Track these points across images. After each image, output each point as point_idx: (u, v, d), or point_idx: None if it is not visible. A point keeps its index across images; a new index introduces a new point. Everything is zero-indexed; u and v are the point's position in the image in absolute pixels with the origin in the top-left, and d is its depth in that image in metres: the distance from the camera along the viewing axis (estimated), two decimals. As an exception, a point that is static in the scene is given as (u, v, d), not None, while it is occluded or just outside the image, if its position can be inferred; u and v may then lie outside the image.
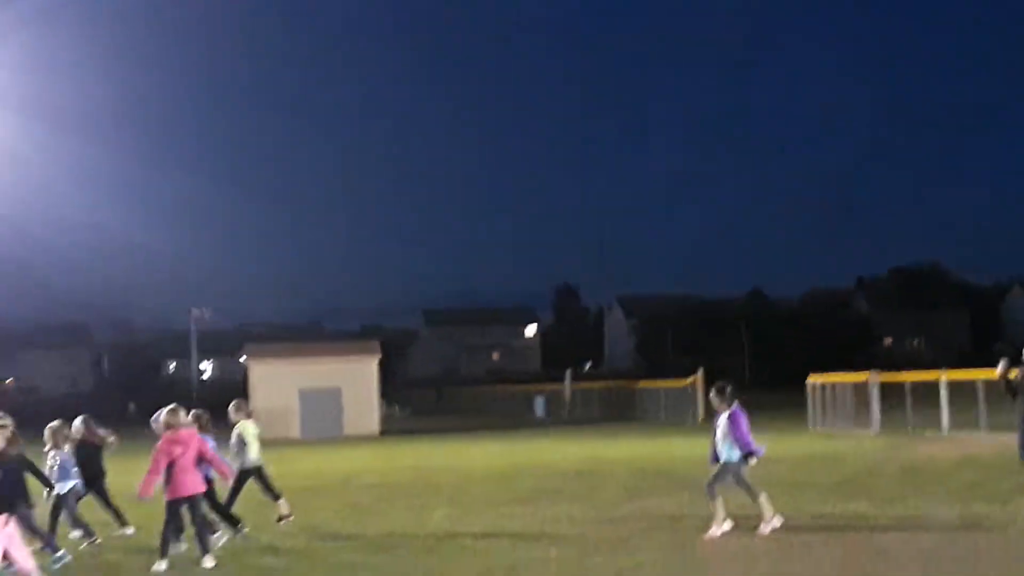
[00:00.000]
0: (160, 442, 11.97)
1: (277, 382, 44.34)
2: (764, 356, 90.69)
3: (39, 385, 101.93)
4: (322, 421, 43.32)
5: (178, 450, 11.90)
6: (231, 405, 15.49)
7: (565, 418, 53.69)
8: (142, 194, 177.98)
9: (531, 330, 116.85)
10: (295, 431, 43.12)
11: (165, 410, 12.32)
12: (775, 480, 16.23)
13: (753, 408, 15.09)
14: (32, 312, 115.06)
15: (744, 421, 12.70)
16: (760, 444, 12.86)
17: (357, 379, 45.03)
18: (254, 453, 15.10)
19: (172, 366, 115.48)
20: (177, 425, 12.15)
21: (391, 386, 70.85)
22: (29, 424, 15.31)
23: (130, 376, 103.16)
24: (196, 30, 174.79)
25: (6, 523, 10.96)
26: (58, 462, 13.81)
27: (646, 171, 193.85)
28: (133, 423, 12.74)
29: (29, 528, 11.90)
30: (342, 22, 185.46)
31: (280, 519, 15.10)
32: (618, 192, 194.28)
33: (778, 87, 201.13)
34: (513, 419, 54.18)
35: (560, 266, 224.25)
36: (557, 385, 61.75)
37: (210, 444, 13.09)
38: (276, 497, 15.31)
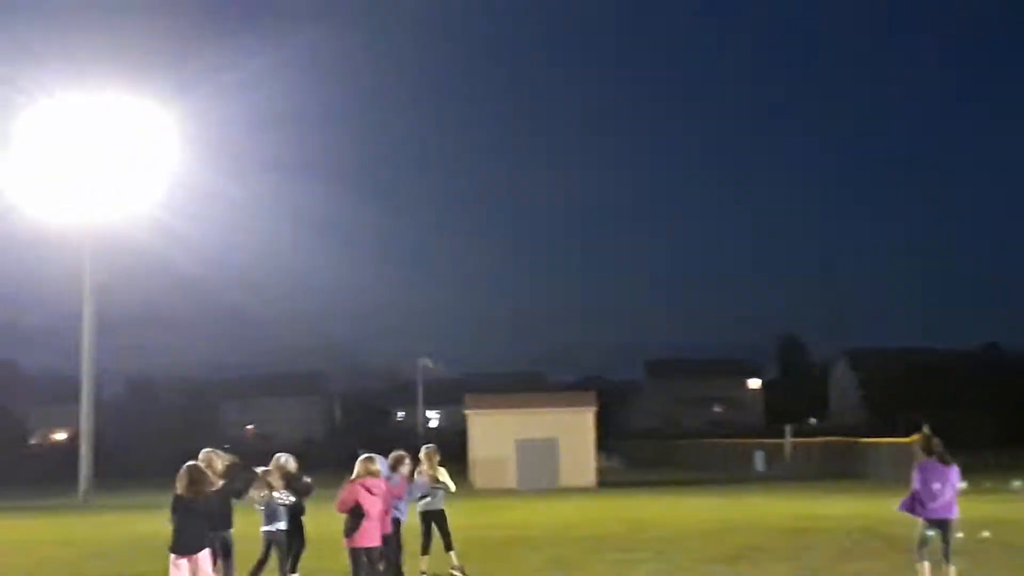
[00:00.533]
0: (352, 484, 12.18)
1: (495, 432, 45.04)
2: (1001, 412, 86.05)
3: (276, 432, 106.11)
4: (538, 472, 43.68)
5: (368, 499, 12.09)
6: (423, 451, 15.86)
7: (784, 473, 52.39)
8: (374, 242, 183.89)
9: (754, 383, 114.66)
10: (512, 481, 43.64)
11: (361, 457, 12.62)
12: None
13: (992, 467, 14.50)
14: (270, 361, 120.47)
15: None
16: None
17: (574, 430, 45.22)
18: (439, 500, 15.55)
19: (400, 415, 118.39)
20: (370, 474, 12.35)
21: (610, 438, 70.76)
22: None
23: (360, 424, 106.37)
24: (424, 68, 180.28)
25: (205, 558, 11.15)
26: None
27: (876, 224, 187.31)
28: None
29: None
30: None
31: (452, 570, 15.45)
32: (846, 245, 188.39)
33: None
34: (731, 473, 53.28)
35: (785, 318, 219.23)
36: (779, 440, 60.40)
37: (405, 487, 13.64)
38: (449, 547, 15.63)
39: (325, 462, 13.49)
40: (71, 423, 47.38)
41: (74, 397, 47.65)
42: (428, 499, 15.62)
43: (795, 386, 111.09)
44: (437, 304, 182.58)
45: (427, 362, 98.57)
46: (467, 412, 47.55)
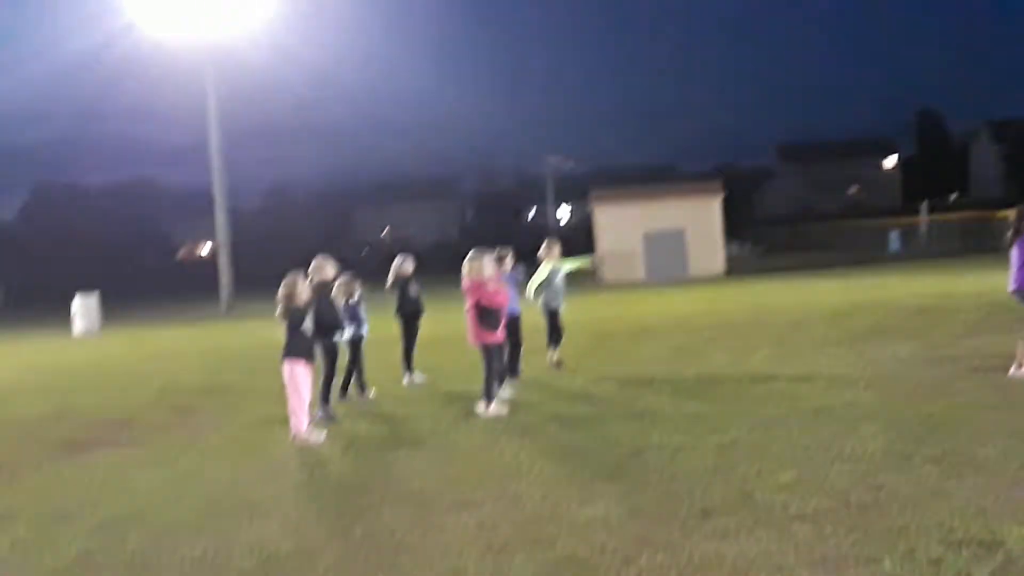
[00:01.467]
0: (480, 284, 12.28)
1: (622, 225, 44.92)
2: None
3: (411, 235, 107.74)
4: (666, 262, 43.61)
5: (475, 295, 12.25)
6: (543, 245, 15.93)
7: (920, 252, 51.24)
8: (495, 50, 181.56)
9: (890, 162, 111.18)
10: (640, 273, 43.69)
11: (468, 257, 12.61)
12: None
13: None
14: (406, 167, 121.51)
15: None
16: None
17: (700, 219, 44.81)
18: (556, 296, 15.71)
19: (531, 213, 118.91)
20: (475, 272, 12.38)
21: (744, 225, 70.04)
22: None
23: (493, 224, 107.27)
24: None
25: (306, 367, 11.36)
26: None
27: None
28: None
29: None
30: None
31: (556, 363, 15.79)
32: (983, 8, 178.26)
33: None
34: (866, 255, 52.33)
35: (923, 91, 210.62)
36: (916, 218, 58.94)
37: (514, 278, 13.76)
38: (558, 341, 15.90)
39: (460, 263, 13.56)
40: (214, 236, 48.63)
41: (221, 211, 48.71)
42: (549, 296, 15.81)
43: (934, 162, 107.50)
44: (566, 100, 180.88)
45: (556, 159, 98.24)
46: (593, 206, 47.43)
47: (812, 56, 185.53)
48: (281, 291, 11.21)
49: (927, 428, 9.61)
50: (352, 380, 13.95)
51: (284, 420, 11.51)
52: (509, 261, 14.30)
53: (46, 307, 50.75)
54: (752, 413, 10.92)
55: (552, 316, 15.86)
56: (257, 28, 45.97)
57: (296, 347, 11.21)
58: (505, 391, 12.89)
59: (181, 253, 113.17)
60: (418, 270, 15.56)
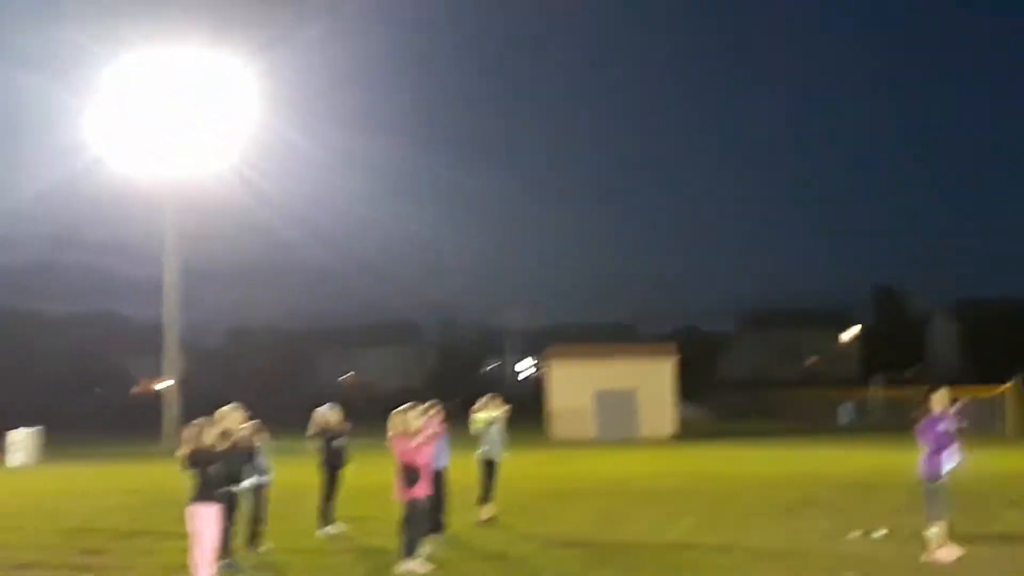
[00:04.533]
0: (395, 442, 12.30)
1: (575, 382, 44.95)
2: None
3: (374, 380, 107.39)
4: (617, 422, 43.50)
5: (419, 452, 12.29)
6: (483, 398, 16.05)
7: (872, 424, 51.51)
8: (463, 198, 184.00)
9: (848, 334, 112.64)
10: (591, 431, 43.55)
11: (398, 411, 12.65)
12: None
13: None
14: (364, 313, 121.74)
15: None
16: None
17: (652, 381, 44.91)
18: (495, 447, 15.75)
19: (492, 364, 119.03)
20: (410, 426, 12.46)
21: (703, 388, 70.28)
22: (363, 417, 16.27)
23: (455, 373, 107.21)
24: (492, 32, 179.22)
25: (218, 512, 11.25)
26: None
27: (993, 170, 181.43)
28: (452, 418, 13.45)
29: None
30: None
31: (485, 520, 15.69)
32: (945, 193, 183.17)
33: None
34: (817, 424, 52.47)
35: (883, 268, 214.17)
36: (869, 390, 59.36)
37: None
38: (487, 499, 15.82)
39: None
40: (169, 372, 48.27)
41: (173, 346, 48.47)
42: (486, 447, 15.80)
43: (892, 336, 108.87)
44: (528, 258, 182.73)
45: (517, 312, 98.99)
46: (547, 361, 47.54)
47: (775, 222, 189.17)
48: (186, 435, 11.10)
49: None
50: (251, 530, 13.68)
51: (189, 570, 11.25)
52: (437, 415, 14.27)
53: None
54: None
55: (488, 466, 15.79)
56: (225, 167, 46.60)
57: (203, 491, 11.05)
58: (424, 547, 12.71)
59: (137, 387, 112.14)
60: (379, 415, 15.42)
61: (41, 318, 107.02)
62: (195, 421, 11.27)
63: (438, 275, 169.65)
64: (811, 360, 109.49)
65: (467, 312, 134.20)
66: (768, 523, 15.57)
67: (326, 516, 15.00)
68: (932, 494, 12.06)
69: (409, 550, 12.00)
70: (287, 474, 15.30)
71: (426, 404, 13.81)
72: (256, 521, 13.65)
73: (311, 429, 15.11)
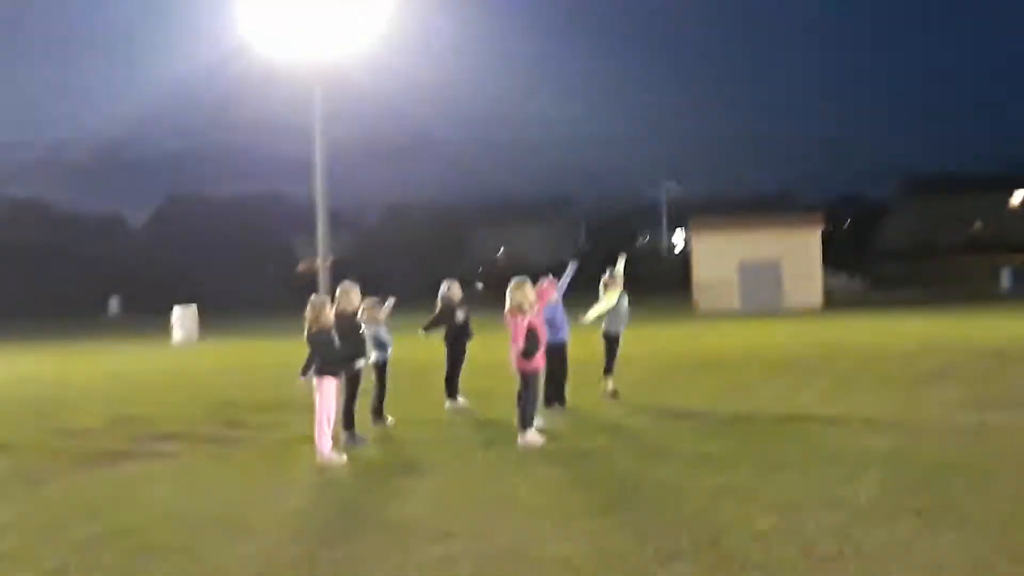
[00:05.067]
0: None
1: (719, 254, 44.55)
2: None
3: (526, 255, 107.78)
4: (761, 293, 43.08)
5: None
6: (607, 274, 16.05)
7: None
8: (620, 74, 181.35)
9: (1017, 197, 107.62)
10: (736, 303, 43.24)
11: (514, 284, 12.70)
12: None
13: None
14: (521, 188, 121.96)
15: None
16: None
17: (798, 251, 44.17)
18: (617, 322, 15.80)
19: (645, 238, 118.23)
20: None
21: (860, 257, 68.68)
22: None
23: (606, 247, 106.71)
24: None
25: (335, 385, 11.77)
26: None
27: None
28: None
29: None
30: None
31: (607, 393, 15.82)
32: None
33: None
34: (977, 291, 50.91)
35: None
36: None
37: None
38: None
39: (574, 284, 13.71)
40: (336, 250, 49.68)
41: (338, 225, 49.78)
42: (609, 322, 15.90)
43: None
44: (687, 127, 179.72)
45: (671, 184, 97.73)
46: (691, 235, 47.14)
47: (937, 83, 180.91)
48: (308, 312, 11.55)
49: (928, 478, 9.44)
50: (374, 404, 14.14)
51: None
52: (553, 290, 14.34)
53: (159, 316, 52.32)
54: (765, 455, 10.82)
55: (611, 342, 15.88)
56: (369, 49, 46.73)
57: (324, 365, 11.53)
58: (538, 420, 12.91)
59: (300, 266, 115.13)
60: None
61: (207, 199, 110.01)
62: (315, 297, 11.70)
63: (587, 148, 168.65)
64: (976, 226, 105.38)
65: (618, 183, 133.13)
66: (893, 393, 15.32)
67: (451, 390, 15.39)
68: None
69: (525, 423, 12.22)
70: (413, 349, 15.64)
71: (541, 279, 13.92)
72: (379, 395, 14.11)
73: (438, 305, 15.41)
